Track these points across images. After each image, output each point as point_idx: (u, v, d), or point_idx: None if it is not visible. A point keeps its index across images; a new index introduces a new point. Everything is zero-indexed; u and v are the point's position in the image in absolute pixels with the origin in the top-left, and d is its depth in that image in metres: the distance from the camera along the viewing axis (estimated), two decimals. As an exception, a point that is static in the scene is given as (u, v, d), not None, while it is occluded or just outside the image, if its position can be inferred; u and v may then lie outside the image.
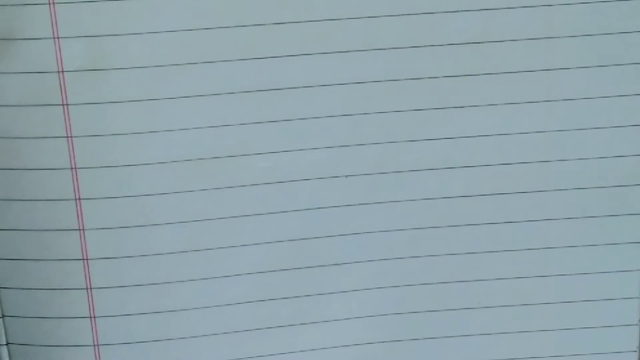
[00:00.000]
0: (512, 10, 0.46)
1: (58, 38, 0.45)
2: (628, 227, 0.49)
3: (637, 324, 0.51)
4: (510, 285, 0.50)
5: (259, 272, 0.49)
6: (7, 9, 0.44)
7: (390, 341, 0.50)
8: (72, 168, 0.46)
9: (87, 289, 0.48)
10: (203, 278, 0.48)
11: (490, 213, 0.49)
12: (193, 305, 0.49)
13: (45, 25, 0.44)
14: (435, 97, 0.47)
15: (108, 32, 0.45)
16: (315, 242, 0.48)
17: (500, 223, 0.49)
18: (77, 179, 0.46)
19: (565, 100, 0.47)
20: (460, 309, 0.50)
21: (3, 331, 0.49)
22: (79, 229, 0.47)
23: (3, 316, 0.48)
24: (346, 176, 0.48)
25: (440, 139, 0.47)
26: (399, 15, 0.45)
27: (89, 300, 0.48)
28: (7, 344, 0.49)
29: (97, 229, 0.47)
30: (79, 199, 0.47)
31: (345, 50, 0.46)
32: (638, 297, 0.50)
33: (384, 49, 0.46)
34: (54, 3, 0.44)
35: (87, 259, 0.47)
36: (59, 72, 0.45)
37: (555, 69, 0.47)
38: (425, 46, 0.46)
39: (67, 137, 0.46)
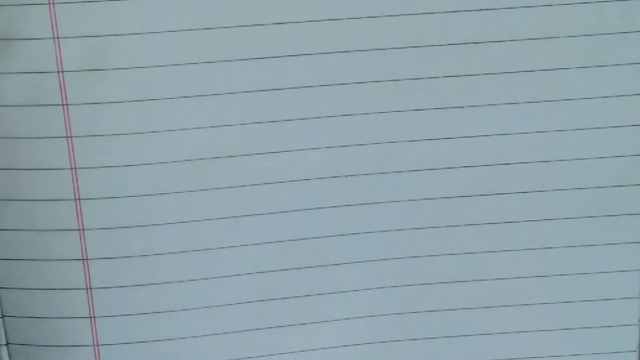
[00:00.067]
0: (511, 10, 0.46)
1: (58, 38, 0.44)
2: (627, 227, 0.49)
3: (637, 324, 0.51)
4: (510, 285, 0.50)
5: (259, 272, 0.49)
6: (7, 9, 0.44)
7: (390, 341, 0.50)
8: (72, 168, 0.46)
9: (86, 289, 0.48)
10: (203, 278, 0.48)
11: (490, 213, 0.49)
12: (193, 305, 0.49)
13: (45, 25, 0.44)
14: (435, 97, 0.47)
15: (108, 32, 0.45)
16: (315, 242, 0.48)
17: (500, 223, 0.49)
18: (77, 179, 0.46)
19: (564, 100, 0.47)
20: (460, 309, 0.50)
21: (3, 331, 0.48)
22: (79, 229, 0.47)
23: (3, 316, 0.48)
24: (346, 176, 0.48)
25: (440, 139, 0.47)
26: (399, 15, 0.45)
27: (88, 300, 0.48)
28: (7, 344, 0.49)
29: (97, 229, 0.47)
30: (79, 199, 0.47)
31: (345, 50, 0.46)
32: (638, 297, 0.50)
33: (384, 49, 0.46)
34: (54, 3, 0.44)
35: (86, 259, 0.47)
36: (58, 72, 0.45)
37: (555, 69, 0.47)
38: (425, 46, 0.46)
39: (67, 137, 0.46)
